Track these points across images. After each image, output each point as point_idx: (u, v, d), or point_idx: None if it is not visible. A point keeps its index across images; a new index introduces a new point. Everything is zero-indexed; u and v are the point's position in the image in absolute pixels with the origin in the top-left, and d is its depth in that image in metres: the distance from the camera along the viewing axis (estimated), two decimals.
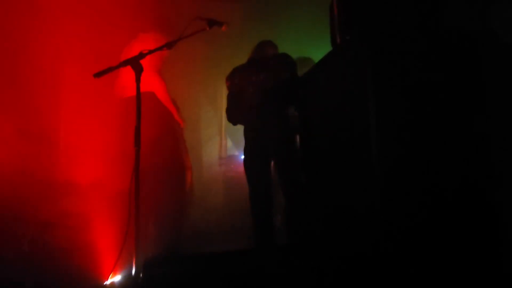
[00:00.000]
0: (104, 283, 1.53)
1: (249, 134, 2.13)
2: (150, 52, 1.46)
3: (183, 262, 1.37)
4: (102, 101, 2.99)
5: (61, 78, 3.16)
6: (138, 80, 1.41)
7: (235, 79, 2.17)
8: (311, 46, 2.90)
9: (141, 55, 1.42)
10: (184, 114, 3.93)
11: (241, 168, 3.34)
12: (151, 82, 2.22)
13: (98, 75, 1.31)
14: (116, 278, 1.55)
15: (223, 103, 4.60)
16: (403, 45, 1.26)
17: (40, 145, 3.05)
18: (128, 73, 1.78)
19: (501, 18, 1.38)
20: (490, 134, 1.23)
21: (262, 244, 1.97)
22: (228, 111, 2.24)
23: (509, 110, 1.29)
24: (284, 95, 2.11)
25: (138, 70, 1.41)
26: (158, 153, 2.10)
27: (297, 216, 1.96)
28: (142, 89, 1.40)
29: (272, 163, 2.11)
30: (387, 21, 1.35)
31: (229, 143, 4.20)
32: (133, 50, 1.85)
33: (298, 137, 2.09)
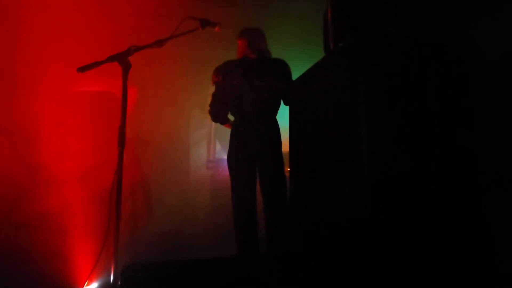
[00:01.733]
0: None
1: (235, 137, 2.03)
2: (139, 48, 1.41)
3: (163, 269, 1.30)
4: (85, 101, 2.91)
5: (44, 76, 3.05)
6: (125, 77, 1.36)
7: (227, 76, 1.99)
8: (303, 53, 2.92)
9: (130, 51, 1.36)
10: (173, 117, 3.88)
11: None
12: None
13: (82, 69, 1.25)
14: (93, 286, 1.47)
15: None
16: (396, 53, 1.27)
17: (20, 144, 2.92)
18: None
19: (489, 34, 1.41)
20: (475, 147, 1.25)
21: (245, 252, 1.91)
22: (213, 108, 2.07)
23: (494, 122, 1.31)
24: (278, 104, 2.09)
25: (126, 67, 1.35)
26: None
27: (278, 224, 1.92)
28: None
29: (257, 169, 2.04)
30: (381, 29, 1.35)
31: (218, 147, 4.16)
32: None
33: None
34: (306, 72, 1.68)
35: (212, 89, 2.12)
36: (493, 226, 1.19)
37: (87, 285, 1.39)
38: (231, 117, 2.17)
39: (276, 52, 2.24)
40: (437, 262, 1.11)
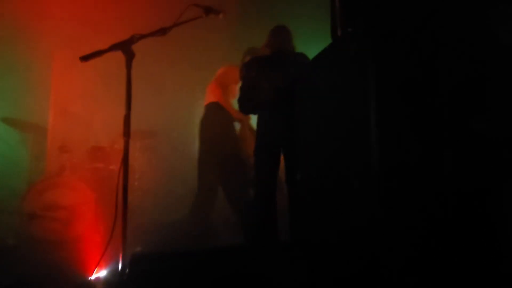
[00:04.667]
0: (89, 278, 1.48)
1: (261, 127, 2.13)
2: (143, 36, 1.39)
3: (171, 258, 1.31)
4: (92, 92, 2.92)
5: (53, 65, 3.06)
6: (129, 66, 1.34)
7: (252, 71, 2.15)
8: (309, 40, 2.85)
9: (133, 39, 1.34)
10: (180, 108, 3.87)
11: None
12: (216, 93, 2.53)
13: (84, 58, 1.23)
14: (102, 273, 1.50)
15: None
16: (408, 40, 1.22)
17: (28, 135, 2.97)
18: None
19: (502, 19, 1.35)
20: (491, 136, 1.20)
21: (262, 240, 1.94)
22: (239, 101, 2.23)
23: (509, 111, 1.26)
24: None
25: (130, 56, 1.33)
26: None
27: (298, 215, 1.94)
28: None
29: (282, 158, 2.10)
30: (392, 14, 1.30)
31: None
32: None
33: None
34: (312, 59, 1.64)
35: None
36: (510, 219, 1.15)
37: (97, 272, 1.42)
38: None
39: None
40: (448, 260, 1.08)
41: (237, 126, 2.79)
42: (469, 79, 1.24)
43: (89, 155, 2.74)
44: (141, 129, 3.15)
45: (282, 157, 2.13)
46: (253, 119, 2.42)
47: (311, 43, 2.53)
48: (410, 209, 1.11)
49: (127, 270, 1.16)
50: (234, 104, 2.49)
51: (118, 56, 1.34)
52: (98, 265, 1.35)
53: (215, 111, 2.68)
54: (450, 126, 1.18)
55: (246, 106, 2.19)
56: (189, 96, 3.90)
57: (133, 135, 3.10)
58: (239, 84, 2.27)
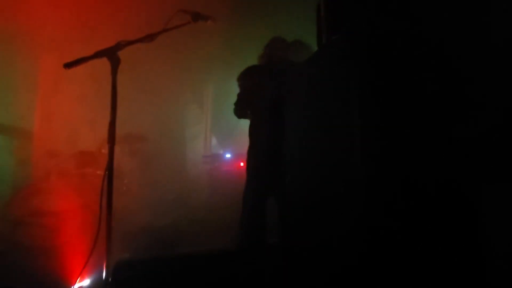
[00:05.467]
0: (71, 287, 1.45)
1: (249, 134, 2.23)
2: (130, 43, 1.38)
3: (155, 265, 1.30)
4: (80, 96, 2.88)
5: (39, 67, 3.01)
6: (114, 73, 1.34)
7: (246, 80, 2.28)
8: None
9: (119, 46, 1.34)
10: (170, 112, 3.85)
11: (226, 167, 3.27)
12: None
13: (68, 65, 1.22)
14: (85, 282, 1.47)
15: (209, 101, 4.54)
16: (390, 46, 1.25)
17: (13, 139, 2.90)
18: None
19: (488, 27, 1.39)
20: (472, 137, 1.23)
21: (253, 244, 1.95)
22: (235, 108, 2.34)
23: (493, 114, 1.30)
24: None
25: (115, 62, 1.33)
26: None
27: (286, 218, 1.96)
28: None
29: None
30: (376, 22, 1.33)
31: (214, 141, 4.14)
32: None
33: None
34: (298, 66, 1.66)
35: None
36: (491, 220, 1.18)
37: (80, 281, 1.39)
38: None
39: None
40: (431, 258, 1.10)
41: None
42: (450, 82, 1.27)
43: (76, 160, 2.70)
44: (130, 134, 3.12)
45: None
46: None
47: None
48: (395, 211, 1.13)
49: (110, 278, 1.15)
50: None
51: (106, 60, 1.33)
52: (81, 273, 1.33)
53: None
54: (431, 129, 1.21)
55: (241, 112, 2.32)
56: (178, 101, 3.89)
57: (123, 139, 3.07)
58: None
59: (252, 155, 2.19)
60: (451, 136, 1.21)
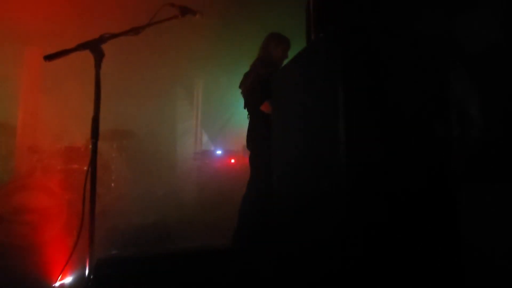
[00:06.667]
0: (53, 286, 1.42)
1: (257, 137, 2.23)
2: (113, 36, 1.35)
3: (138, 262, 1.28)
4: (66, 91, 2.81)
5: (22, 61, 2.92)
6: (98, 67, 1.30)
7: (242, 84, 2.31)
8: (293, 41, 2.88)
9: (102, 39, 1.30)
10: (160, 108, 3.80)
11: (216, 163, 3.25)
12: None
13: (49, 58, 1.18)
14: (67, 280, 1.44)
15: (199, 97, 4.50)
16: (375, 45, 1.25)
17: None
18: None
19: (467, 27, 1.41)
20: (452, 139, 1.26)
21: (251, 244, 1.94)
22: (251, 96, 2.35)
23: (470, 115, 1.32)
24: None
25: (98, 56, 1.30)
26: None
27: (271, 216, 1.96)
28: None
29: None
30: (363, 21, 1.33)
31: (205, 138, 4.11)
32: None
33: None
34: (287, 63, 1.65)
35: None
36: (468, 219, 1.21)
37: (61, 279, 1.37)
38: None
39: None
40: (414, 257, 1.12)
41: None
42: (435, 81, 1.29)
43: (62, 155, 2.64)
44: (118, 129, 3.07)
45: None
46: None
47: (295, 43, 2.57)
48: (379, 212, 1.14)
49: (91, 276, 1.13)
50: None
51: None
52: (62, 271, 1.30)
53: None
54: (415, 129, 1.23)
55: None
56: (169, 96, 3.84)
57: (110, 135, 3.01)
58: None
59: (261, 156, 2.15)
60: (434, 136, 1.23)
